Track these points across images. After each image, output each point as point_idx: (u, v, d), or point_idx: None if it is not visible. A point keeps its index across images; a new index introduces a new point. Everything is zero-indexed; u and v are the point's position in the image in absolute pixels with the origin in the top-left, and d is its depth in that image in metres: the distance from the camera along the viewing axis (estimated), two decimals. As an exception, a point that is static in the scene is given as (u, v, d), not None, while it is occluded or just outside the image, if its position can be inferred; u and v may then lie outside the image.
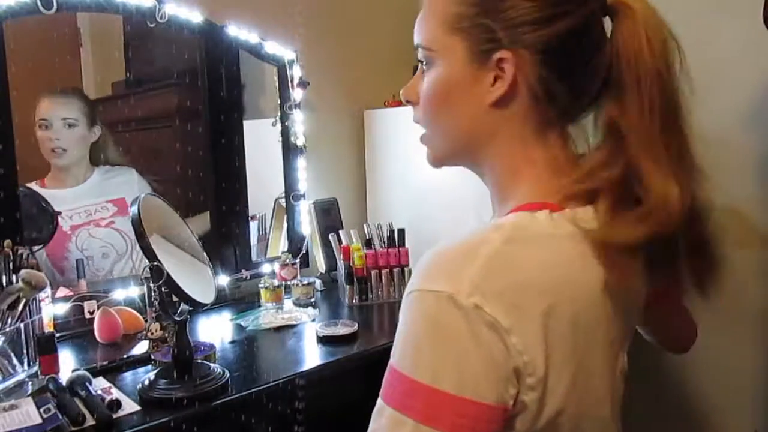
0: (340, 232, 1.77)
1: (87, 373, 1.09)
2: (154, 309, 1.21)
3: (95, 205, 1.59)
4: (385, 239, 1.72)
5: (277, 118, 1.84)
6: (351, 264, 1.67)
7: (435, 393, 0.53)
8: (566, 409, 0.57)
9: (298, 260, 1.76)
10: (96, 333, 1.35)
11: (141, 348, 1.29)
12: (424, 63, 0.67)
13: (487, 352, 0.53)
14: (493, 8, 0.60)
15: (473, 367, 0.53)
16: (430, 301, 0.55)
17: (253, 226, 1.84)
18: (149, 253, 0.96)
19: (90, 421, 0.95)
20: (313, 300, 1.66)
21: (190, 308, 1.04)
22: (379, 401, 0.56)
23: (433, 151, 0.72)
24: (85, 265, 1.54)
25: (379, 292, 1.68)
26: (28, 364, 1.13)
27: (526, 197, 0.63)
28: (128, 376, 1.18)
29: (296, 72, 1.82)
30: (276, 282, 1.62)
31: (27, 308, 1.12)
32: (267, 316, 1.52)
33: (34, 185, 1.52)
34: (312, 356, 1.30)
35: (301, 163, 1.87)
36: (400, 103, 1.97)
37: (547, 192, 0.63)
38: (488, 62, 0.61)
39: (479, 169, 0.70)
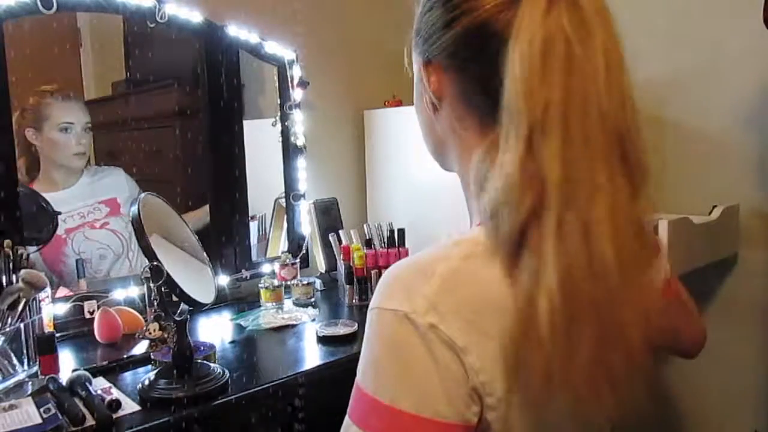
0: (340, 232, 1.77)
1: (87, 373, 1.09)
2: (154, 309, 1.21)
3: (88, 207, 1.58)
4: (385, 239, 1.72)
5: (277, 118, 1.84)
6: (351, 264, 1.67)
7: (395, 412, 0.53)
8: (537, 427, 0.56)
9: (298, 260, 1.76)
10: (96, 333, 1.35)
11: (141, 348, 1.29)
12: None
13: (445, 370, 0.52)
14: (418, 28, 0.65)
15: (431, 385, 0.52)
16: (388, 319, 0.55)
17: (253, 226, 1.84)
18: (149, 253, 0.96)
19: (90, 421, 0.95)
20: (313, 300, 1.66)
21: (190, 308, 1.04)
22: (346, 418, 0.57)
23: None
24: (85, 267, 1.53)
25: (379, 292, 1.67)
26: (28, 364, 1.13)
27: None
28: (128, 376, 1.18)
29: (296, 72, 1.82)
30: (276, 282, 1.62)
31: (27, 308, 1.12)
32: (267, 316, 1.52)
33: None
34: (312, 356, 1.30)
35: (301, 163, 1.87)
36: (400, 103, 1.97)
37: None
38: (423, 74, 0.64)
39: (453, 172, 0.70)
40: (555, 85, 0.51)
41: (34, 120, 1.50)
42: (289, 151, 1.85)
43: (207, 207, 1.73)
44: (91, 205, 1.59)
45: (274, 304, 1.59)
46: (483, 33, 0.56)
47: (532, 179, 0.51)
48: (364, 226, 1.76)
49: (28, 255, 1.17)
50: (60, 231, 1.52)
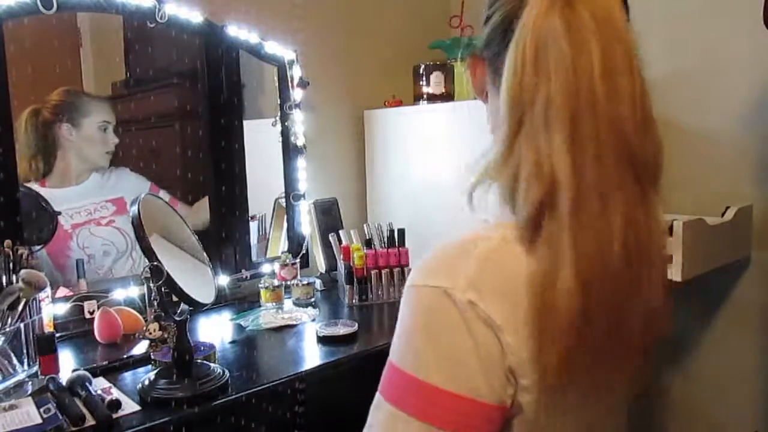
0: (340, 232, 1.77)
1: (87, 373, 1.09)
2: (154, 309, 1.21)
3: (95, 204, 1.59)
4: (385, 239, 1.72)
5: (277, 118, 1.84)
6: (351, 264, 1.67)
7: (429, 389, 0.53)
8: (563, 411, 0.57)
9: (298, 260, 1.76)
10: (96, 333, 1.35)
11: (141, 348, 1.29)
12: None
13: (483, 348, 0.53)
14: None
15: (469, 363, 0.53)
16: (426, 295, 0.55)
17: (253, 226, 1.84)
18: (149, 253, 0.96)
19: (90, 421, 0.95)
20: (313, 300, 1.66)
21: (190, 308, 1.04)
22: (377, 395, 0.57)
23: None
24: (86, 263, 1.54)
25: (379, 292, 1.68)
26: (28, 364, 1.13)
27: None
28: (128, 376, 1.18)
29: (296, 72, 1.82)
30: (276, 282, 1.62)
31: (27, 308, 1.12)
32: (267, 316, 1.52)
33: (33, 185, 1.52)
34: (312, 356, 1.30)
35: (301, 163, 1.87)
36: (400, 103, 1.97)
37: None
38: (469, 66, 0.68)
39: None
40: (545, 80, 0.53)
41: (70, 116, 1.54)
42: (289, 151, 1.85)
43: (206, 200, 1.73)
44: (99, 203, 1.60)
45: (274, 304, 1.59)
46: (505, 28, 0.60)
47: (539, 173, 0.53)
48: (364, 226, 1.76)
49: (28, 255, 1.17)
50: (67, 226, 1.53)
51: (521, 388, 0.54)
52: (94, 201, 1.59)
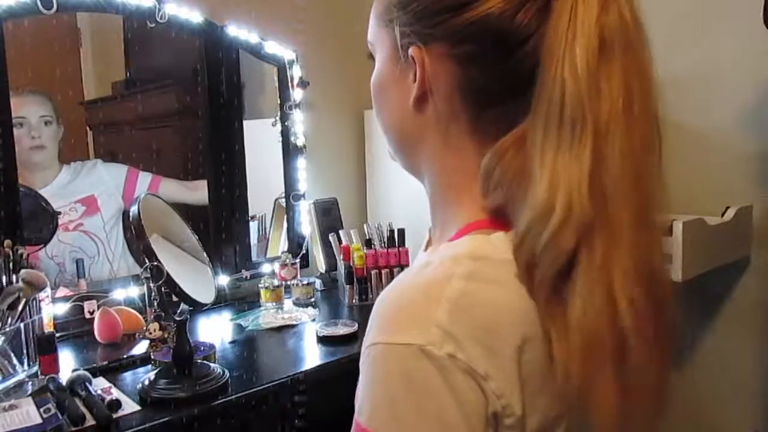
0: (340, 232, 1.77)
1: (87, 373, 1.09)
2: (154, 309, 1.21)
3: (63, 207, 1.54)
4: (385, 239, 1.72)
5: (277, 118, 1.84)
6: (351, 264, 1.67)
7: None
8: None
9: (298, 260, 1.76)
10: (96, 333, 1.35)
11: (141, 348, 1.29)
12: (371, 57, 0.64)
13: (466, 403, 0.48)
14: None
15: (453, 421, 0.48)
16: (400, 355, 0.49)
17: (253, 226, 1.84)
18: (149, 252, 0.97)
19: (90, 421, 0.95)
20: (313, 300, 1.66)
21: (190, 308, 1.04)
22: None
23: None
24: (60, 272, 1.51)
25: (379, 292, 1.67)
26: (28, 364, 1.13)
27: (471, 216, 0.55)
28: (128, 376, 1.18)
29: (296, 72, 1.82)
30: (276, 282, 1.62)
31: (27, 308, 1.12)
32: (267, 316, 1.52)
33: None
34: (312, 356, 1.30)
35: (301, 163, 1.87)
36: (400, 103, 1.97)
37: (488, 208, 0.54)
38: (407, 59, 0.55)
39: (417, 175, 0.64)
40: (615, 88, 0.47)
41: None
42: (289, 151, 1.85)
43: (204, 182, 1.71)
44: (67, 206, 1.55)
45: (274, 304, 1.59)
46: (504, 25, 0.50)
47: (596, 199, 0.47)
48: (364, 226, 1.76)
49: (28, 255, 1.17)
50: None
51: (504, 427, 0.50)
52: (61, 204, 1.53)
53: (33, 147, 1.51)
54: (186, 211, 1.65)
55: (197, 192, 1.73)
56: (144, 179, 1.66)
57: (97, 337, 1.35)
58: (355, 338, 1.36)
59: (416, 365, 0.48)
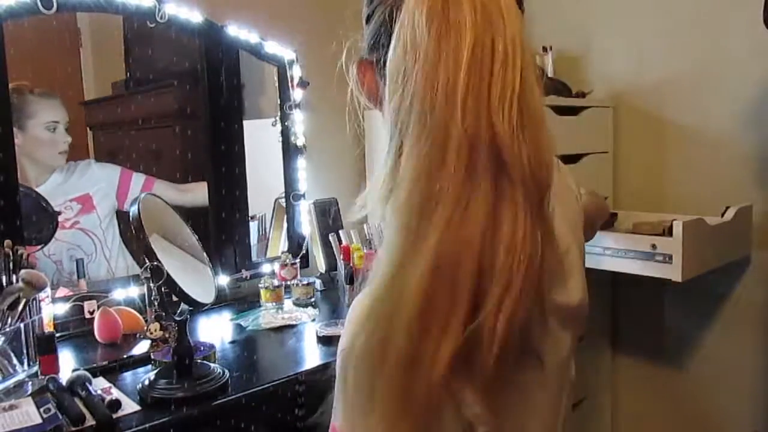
0: (340, 232, 1.77)
1: (87, 373, 1.09)
2: (154, 309, 1.21)
3: (59, 206, 1.54)
4: (385, 239, 1.71)
5: (277, 118, 1.84)
6: (351, 264, 1.67)
7: None
8: None
9: (298, 260, 1.76)
10: (96, 333, 1.35)
11: (141, 348, 1.29)
12: None
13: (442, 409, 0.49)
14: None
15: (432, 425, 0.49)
16: (354, 358, 0.52)
17: (253, 226, 1.84)
18: (149, 252, 0.96)
19: (90, 421, 0.95)
20: (313, 300, 1.66)
21: (190, 308, 1.04)
22: None
23: None
24: (57, 271, 1.50)
25: (379, 292, 1.67)
26: (28, 364, 1.13)
27: None
28: (128, 376, 1.18)
29: (296, 72, 1.82)
30: (276, 282, 1.62)
31: (27, 308, 1.12)
32: (267, 316, 1.52)
33: None
34: (312, 356, 1.30)
35: (301, 163, 1.87)
36: (400, 103, 1.97)
37: None
38: (357, 74, 0.65)
39: None
40: (411, 78, 0.50)
41: (15, 118, 1.44)
42: (289, 151, 1.85)
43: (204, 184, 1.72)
44: (62, 204, 1.55)
45: (274, 304, 1.59)
46: (383, 27, 0.56)
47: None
48: (364, 226, 1.76)
49: (28, 255, 1.17)
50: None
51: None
52: (56, 203, 1.53)
53: (62, 152, 1.54)
54: (186, 211, 1.65)
55: (188, 194, 1.73)
56: (137, 180, 1.66)
57: (97, 337, 1.35)
58: (355, 338, 1.35)
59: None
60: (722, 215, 1.53)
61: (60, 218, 1.53)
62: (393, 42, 0.50)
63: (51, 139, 1.51)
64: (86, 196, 1.59)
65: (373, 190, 0.54)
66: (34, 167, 1.52)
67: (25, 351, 1.12)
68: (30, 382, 1.09)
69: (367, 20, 0.58)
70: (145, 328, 1.04)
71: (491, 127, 0.47)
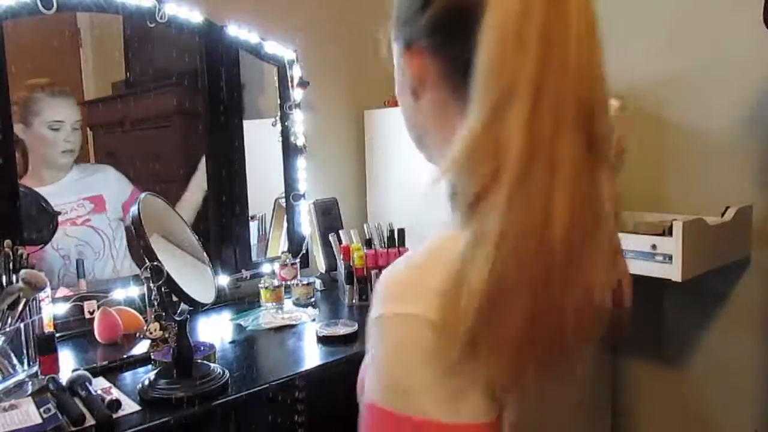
0: (340, 232, 1.77)
1: (87, 373, 1.09)
2: (154, 309, 1.21)
3: (72, 203, 1.56)
4: (385, 239, 1.72)
5: (277, 118, 1.84)
6: (351, 264, 1.67)
7: (429, 425, 0.49)
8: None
9: (298, 260, 1.76)
10: (96, 333, 1.35)
11: (141, 348, 1.29)
12: None
13: (471, 369, 0.49)
14: (397, 14, 0.63)
15: (463, 387, 0.49)
16: (401, 324, 0.51)
17: (253, 226, 1.84)
18: (149, 252, 0.96)
19: (90, 421, 0.95)
20: (313, 300, 1.66)
21: (190, 308, 1.04)
22: None
23: None
24: (64, 266, 1.51)
25: (379, 292, 1.67)
26: (28, 364, 1.13)
27: None
28: (128, 376, 1.18)
29: (296, 72, 1.82)
30: (276, 282, 1.62)
31: (27, 308, 1.12)
32: (267, 316, 1.52)
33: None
34: (312, 356, 1.30)
35: (301, 163, 1.87)
36: (400, 103, 1.97)
37: None
38: (404, 59, 0.62)
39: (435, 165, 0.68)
40: (529, 55, 0.49)
41: (23, 115, 1.48)
42: (289, 151, 1.85)
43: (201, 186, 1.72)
44: (76, 202, 1.57)
45: (274, 304, 1.59)
46: (459, 9, 0.55)
47: (492, 147, 0.49)
48: (364, 226, 1.76)
49: (28, 255, 1.17)
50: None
51: (500, 398, 0.52)
52: (69, 200, 1.55)
53: (65, 151, 1.55)
54: (185, 211, 1.65)
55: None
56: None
57: (97, 337, 1.35)
58: (355, 338, 1.36)
59: (417, 332, 0.49)
60: (722, 215, 1.53)
61: (71, 215, 1.56)
62: (492, 23, 0.50)
63: (54, 138, 1.52)
64: (99, 197, 1.61)
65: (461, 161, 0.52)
66: (47, 164, 1.54)
67: (25, 351, 1.12)
68: (30, 382, 1.09)
69: (424, 6, 0.58)
70: (145, 328, 1.04)
71: (595, 99, 0.51)
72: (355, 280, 1.66)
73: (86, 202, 1.59)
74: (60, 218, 1.53)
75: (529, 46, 0.49)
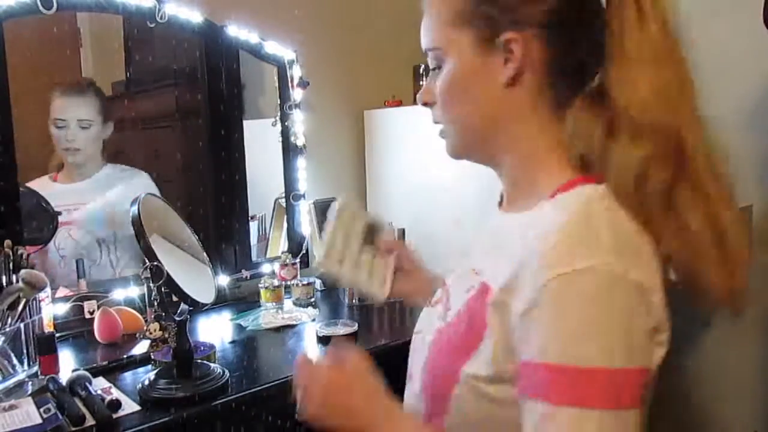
0: (340, 232, 1.76)
1: (87, 373, 1.09)
2: (154, 309, 1.21)
3: (83, 204, 1.56)
4: (385, 239, 1.71)
5: (277, 118, 1.84)
6: (351, 264, 1.66)
7: (614, 374, 0.52)
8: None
9: (298, 260, 1.77)
10: (96, 333, 1.35)
11: (141, 348, 1.29)
12: (435, 66, 0.69)
13: (641, 316, 0.54)
14: (473, 4, 0.63)
15: (636, 335, 0.53)
16: (583, 279, 0.52)
17: (253, 226, 1.84)
18: (149, 253, 0.96)
19: (90, 421, 0.95)
20: (313, 300, 1.66)
21: (190, 308, 1.04)
22: (543, 407, 0.52)
23: (452, 143, 0.71)
24: (65, 266, 1.52)
25: (379, 292, 1.67)
26: (28, 364, 1.13)
27: (562, 177, 0.63)
28: (128, 376, 1.18)
29: (296, 72, 1.82)
30: (276, 282, 1.62)
31: (27, 308, 1.12)
32: (267, 316, 1.52)
33: (46, 179, 1.55)
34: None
35: (301, 163, 1.87)
36: (400, 103, 1.97)
37: (576, 168, 0.64)
38: (495, 47, 0.62)
39: (496, 157, 0.69)
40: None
41: (50, 113, 1.53)
42: (289, 151, 1.85)
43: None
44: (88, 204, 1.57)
45: (274, 304, 1.59)
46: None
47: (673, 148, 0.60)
48: (364, 226, 1.76)
49: (28, 255, 1.17)
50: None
51: (657, 343, 0.57)
52: (85, 201, 1.56)
53: (66, 149, 1.55)
54: (186, 211, 1.65)
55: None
56: None
57: (97, 337, 1.35)
58: (355, 338, 1.36)
59: (597, 285, 0.52)
60: (722, 215, 1.53)
61: (75, 216, 1.56)
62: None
63: (57, 135, 1.54)
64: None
65: None
66: (68, 162, 1.57)
67: (25, 351, 1.13)
68: (30, 382, 1.09)
69: None
70: (145, 328, 1.04)
71: None
72: (355, 280, 1.66)
73: None
74: (68, 217, 1.54)
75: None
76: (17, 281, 1.10)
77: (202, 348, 1.21)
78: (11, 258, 1.13)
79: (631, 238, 0.57)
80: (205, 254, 1.13)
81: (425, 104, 0.72)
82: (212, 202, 1.72)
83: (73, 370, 1.10)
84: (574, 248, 0.54)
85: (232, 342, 1.38)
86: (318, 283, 1.78)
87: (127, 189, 1.61)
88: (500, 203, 0.74)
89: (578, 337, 0.52)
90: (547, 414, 0.52)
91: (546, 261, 0.54)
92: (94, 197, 1.59)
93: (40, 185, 1.52)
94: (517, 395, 0.56)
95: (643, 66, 0.59)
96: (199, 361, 1.13)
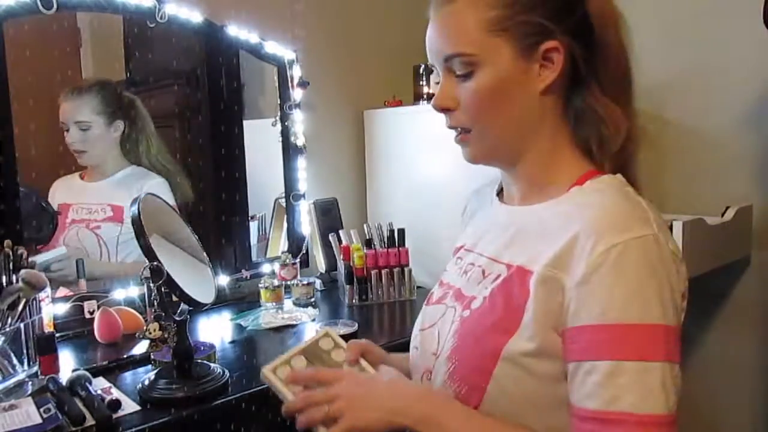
0: (340, 232, 1.77)
1: (87, 373, 1.09)
2: (154, 309, 1.21)
3: (97, 204, 1.57)
4: (385, 239, 1.72)
5: (277, 118, 1.84)
6: (351, 264, 1.67)
7: (668, 330, 0.59)
8: None
9: (298, 260, 1.76)
10: (96, 333, 1.35)
11: (141, 348, 1.29)
12: (463, 72, 0.69)
13: (680, 282, 0.62)
14: (530, 4, 0.66)
15: (677, 297, 0.61)
16: (638, 246, 0.59)
17: (253, 226, 1.84)
18: (149, 253, 0.96)
19: (90, 421, 0.95)
20: (313, 300, 1.66)
21: (190, 308, 1.04)
22: (606, 366, 0.58)
23: (478, 148, 0.73)
24: (83, 268, 1.51)
25: (379, 292, 1.68)
26: (28, 364, 1.13)
27: (579, 168, 0.70)
28: (128, 376, 1.18)
29: (296, 72, 1.82)
30: (276, 282, 1.62)
31: (27, 308, 1.12)
32: (267, 316, 1.52)
33: (75, 176, 1.59)
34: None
35: (301, 163, 1.87)
36: (400, 103, 1.97)
37: (590, 162, 0.71)
38: (534, 54, 0.66)
39: (519, 157, 0.72)
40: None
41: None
42: (289, 151, 1.85)
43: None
44: (100, 204, 1.57)
45: (274, 304, 1.59)
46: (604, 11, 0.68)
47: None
48: (364, 226, 1.76)
49: (28, 255, 1.17)
50: (68, 219, 1.54)
51: (682, 309, 0.63)
52: (98, 201, 1.57)
53: (74, 151, 1.56)
54: (186, 211, 1.65)
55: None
56: None
57: (97, 337, 1.35)
58: (355, 338, 1.35)
59: (652, 251, 0.60)
60: (722, 215, 1.53)
61: (93, 217, 1.58)
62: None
63: (65, 138, 1.54)
64: (121, 207, 1.58)
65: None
66: (83, 162, 1.58)
67: (25, 351, 1.12)
68: (30, 382, 1.09)
69: (577, 4, 0.67)
70: (145, 328, 1.04)
71: None
72: (355, 280, 1.66)
73: (108, 207, 1.58)
74: (82, 216, 1.56)
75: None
76: (17, 281, 1.10)
77: (202, 348, 1.21)
78: (11, 258, 1.13)
79: (660, 216, 0.64)
80: (205, 254, 1.13)
81: (445, 109, 0.72)
82: (212, 201, 1.72)
83: (73, 370, 1.10)
84: (628, 221, 0.61)
85: (232, 342, 1.38)
86: (318, 283, 1.78)
87: (137, 189, 1.59)
88: (500, 199, 0.79)
89: (638, 297, 0.58)
90: (611, 371, 0.57)
91: (604, 232, 0.60)
92: (111, 197, 1.58)
93: (68, 183, 1.57)
94: (560, 369, 0.62)
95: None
96: (199, 361, 1.13)
